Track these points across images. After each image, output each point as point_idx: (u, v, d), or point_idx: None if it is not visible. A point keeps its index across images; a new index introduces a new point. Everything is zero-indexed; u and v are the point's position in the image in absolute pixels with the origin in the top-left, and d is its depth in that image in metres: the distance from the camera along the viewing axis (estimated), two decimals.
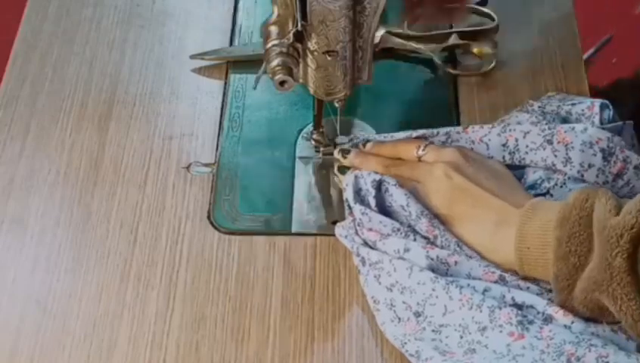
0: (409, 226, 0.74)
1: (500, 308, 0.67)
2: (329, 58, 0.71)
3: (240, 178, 0.82)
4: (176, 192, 0.81)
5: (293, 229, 0.79)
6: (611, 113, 0.78)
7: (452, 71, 0.89)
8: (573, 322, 0.66)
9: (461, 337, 0.68)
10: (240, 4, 0.95)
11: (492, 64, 0.89)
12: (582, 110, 0.78)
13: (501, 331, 0.67)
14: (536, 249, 0.68)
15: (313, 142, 0.82)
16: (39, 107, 0.87)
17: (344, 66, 0.72)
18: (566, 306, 0.67)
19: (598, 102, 0.78)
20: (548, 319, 0.67)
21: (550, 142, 0.75)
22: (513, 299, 0.68)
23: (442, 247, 0.73)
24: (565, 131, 0.75)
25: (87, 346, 0.73)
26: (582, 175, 0.74)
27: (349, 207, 0.76)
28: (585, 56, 0.89)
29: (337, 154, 0.81)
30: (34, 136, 0.85)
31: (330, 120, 0.81)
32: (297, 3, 0.67)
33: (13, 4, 1.03)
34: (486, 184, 0.73)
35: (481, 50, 0.90)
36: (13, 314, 0.75)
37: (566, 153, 0.75)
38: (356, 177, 0.76)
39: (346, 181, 0.77)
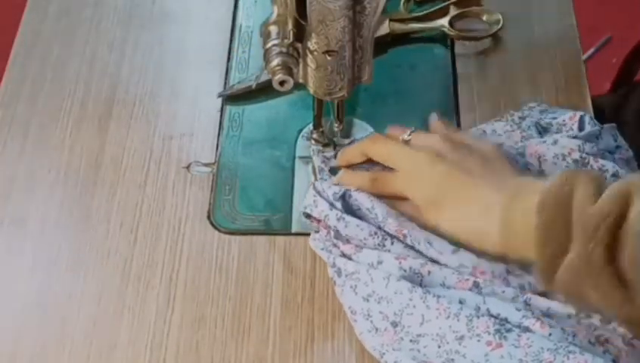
0: (383, 230, 0.73)
1: (478, 317, 0.67)
2: (329, 58, 0.71)
3: (240, 178, 0.82)
4: (176, 192, 0.81)
5: (293, 229, 0.79)
6: (592, 121, 0.78)
7: (465, 35, 0.90)
8: (550, 334, 0.66)
9: (439, 347, 0.67)
10: (240, 4, 0.95)
11: (500, 25, 0.90)
12: (564, 121, 0.78)
13: (479, 340, 0.66)
14: (521, 235, 0.66)
15: (313, 141, 0.82)
16: (39, 107, 0.87)
17: (344, 66, 0.72)
18: (553, 291, 0.66)
19: (579, 113, 0.78)
20: (526, 329, 0.67)
21: (522, 155, 0.76)
22: (488, 310, 0.68)
23: (412, 245, 0.72)
24: (536, 145, 0.75)
25: (87, 346, 0.73)
26: None
27: (316, 219, 0.75)
28: (585, 56, 0.89)
29: (318, 163, 0.80)
30: (34, 136, 0.85)
31: (331, 120, 0.81)
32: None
33: (13, 4, 1.03)
34: (473, 169, 0.71)
35: (488, 14, 0.92)
36: (13, 314, 0.75)
37: (540, 166, 0.75)
38: (319, 192, 0.75)
39: (311, 196, 0.76)
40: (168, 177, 0.82)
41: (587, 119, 0.78)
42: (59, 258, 0.78)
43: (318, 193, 0.75)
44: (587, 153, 0.74)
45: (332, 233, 0.74)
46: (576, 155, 0.74)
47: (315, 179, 0.80)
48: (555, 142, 0.75)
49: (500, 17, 0.91)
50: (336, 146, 0.82)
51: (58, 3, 0.95)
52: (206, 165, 0.83)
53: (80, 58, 0.91)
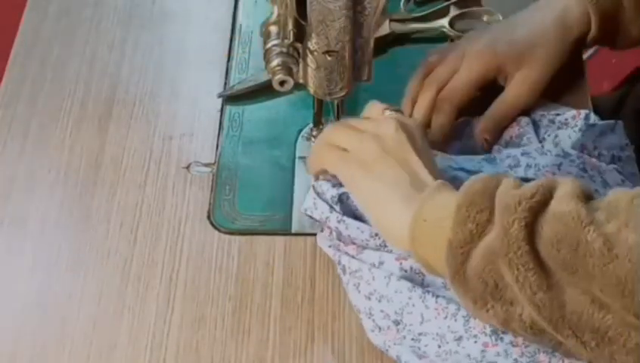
0: None
1: (474, 318, 0.67)
2: (329, 58, 0.71)
3: (240, 178, 0.82)
4: (176, 192, 0.81)
5: (293, 229, 0.79)
6: (596, 119, 0.78)
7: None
8: None
9: (439, 346, 0.68)
10: (240, 4, 0.95)
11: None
12: (566, 119, 0.79)
13: (475, 341, 0.67)
14: (433, 222, 0.64)
15: (313, 140, 0.82)
16: (39, 107, 0.87)
17: (344, 66, 0.72)
18: (457, 280, 0.63)
19: (583, 111, 0.79)
20: None
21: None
22: None
23: None
24: (536, 157, 0.75)
25: (87, 346, 0.73)
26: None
27: (319, 220, 0.75)
28: (585, 56, 0.88)
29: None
30: (34, 136, 0.85)
31: (331, 119, 0.81)
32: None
33: (14, 4, 1.03)
34: (424, 158, 0.69)
35: (488, 14, 0.92)
36: (14, 314, 0.75)
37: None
38: (318, 194, 0.75)
39: (311, 198, 0.75)
40: (168, 177, 0.82)
41: (592, 117, 0.78)
42: (59, 258, 0.78)
43: (318, 194, 0.75)
44: (583, 160, 0.75)
45: (334, 234, 0.74)
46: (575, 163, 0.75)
47: (315, 179, 0.80)
48: (548, 153, 0.76)
49: (500, 17, 0.91)
50: None
51: (58, 3, 0.95)
52: (206, 165, 0.83)
53: (80, 58, 0.91)
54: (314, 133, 0.82)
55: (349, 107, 0.83)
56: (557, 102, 0.84)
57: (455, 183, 0.66)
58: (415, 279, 0.71)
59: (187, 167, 0.83)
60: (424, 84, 0.82)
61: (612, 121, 0.79)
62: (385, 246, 0.73)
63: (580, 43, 0.82)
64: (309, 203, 0.75)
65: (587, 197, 0.59)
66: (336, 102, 0.78)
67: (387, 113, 0.74)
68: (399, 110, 0.75)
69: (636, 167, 0.79)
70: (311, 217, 0.76)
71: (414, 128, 0.72)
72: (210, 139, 0.85)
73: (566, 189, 0.59)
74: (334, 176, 0.74)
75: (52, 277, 0.77)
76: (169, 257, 0.77)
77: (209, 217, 0.80)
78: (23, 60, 0.91)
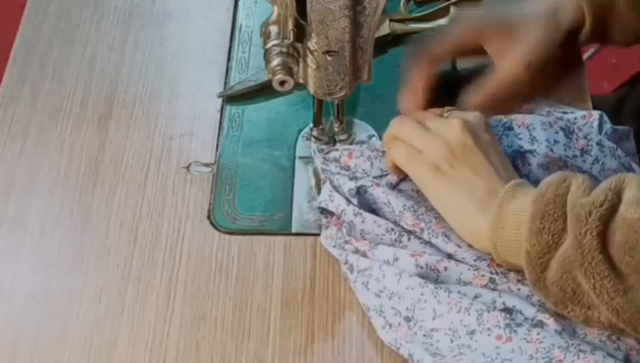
0: (400, 225, 0.74)
1: (488, 312, 0.67)
2: (329, 58, 0.71)
3: (240, 178, 0.82)
4: (176, 192, 0.81)
5: (293, 229, 0.79)
6: (608, 124, 0.78)
7: None
8: (563, 329, 0.66)
9: (452, 341, 0.68)
10: (240, 4, 0.95)
11: None
12: (575, 118, 0.79)
13: (489, 335, 0.67)
14: (511, 229, 0.66)
15: (313, 140, 0.82)
16: (39, 107, 0.87)
17: (344, 66, 0.72)
18: (538, 286, 0.66)
19: (595, 112, 0.79)
20: (538, 324, 0.67)
21: (510, 128, 0.76)
22: (504, 303, 0.68)
23: (429, 240, 0.72)
24: (523, 116, 0.76)
25: (87, 346, 0.73)
26: (552, 150, 0.74)
27: (330, 215, 0.76)
28: (585, 56, 0.88)
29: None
30: (34, 136, 0.85)
31: (331, 120, 0.81)
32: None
33: (13, 4, 1.03)
34: (493, 157, 0.72)
35: None
36: (14, 314, 0.75)
37: (530, 134, 0.75)
38: (335, 187, 0.76)
39: (327, 191, 0.76)
40: (168, 177, 0.82)
41: (605, 118, 0.79)
42: (59, 258, 0.78)
43: (335, 188, 0.75)
44: (571, 123, 0.76)
45: (344, 229, 0.74)
46: (562, 123, 0.75)
47: (318, 179, 0.80)
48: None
49: None
50: (336, 143, 0.82)
51: (58, 3, 0.95)
52: (206, 165, 0.83)
53: (80, 58, 0.91)
54: (314, 133, 0.82)
55: (349, 107, 0.83)
56: (557, 102, 0.84)
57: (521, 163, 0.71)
58: (430, 275, 0.71)
59: (188, 167, 0.83)
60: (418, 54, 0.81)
61: (627, 127, 0.80)
62: (400, 241, 0.73)
63: (573, 36, 0.80)
64: (325, 195, 0.76)
65: None
66: (336, 102, 0.78)
67: (449, 113, 0.76)
68: (456, 109, 0.77)
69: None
70: (325, 209, 0.76)
71: (478, 126, 0.73)
72: (210, 139, 0.85)
73: (633, 192, 0.61)
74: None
75: (52, 277, 0.77)
76: (169, 257, 0.77)
77: (209, 217, 0.80)
78: (23, 60, 0.91)
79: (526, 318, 0.67)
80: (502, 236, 0.67)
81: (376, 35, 0.72)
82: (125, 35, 0.93)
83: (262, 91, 0.87)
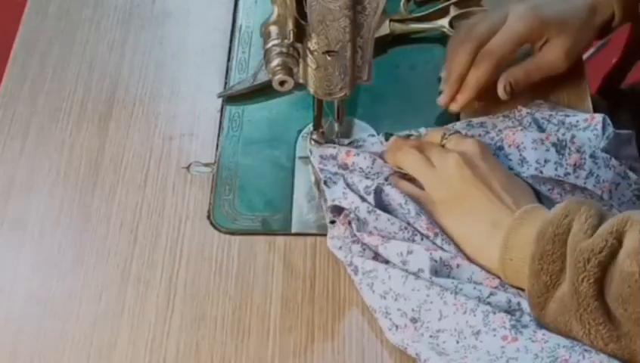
0: (414, 227, 0.74)
1: (494, 313, 0.67)
2: (329, 58, 0.71)
3: (240, 178, 0.82)
4: (176, 192, 0.81)
5: (293, 229, 0.79)
6: (611, 127, 0.78)
7: None
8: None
9: (457, 342, 0.68)
10: (240, 4, 0.95)
11: None
12: (577, 121, 0.79)
13: (494, 335, 0.67)
14: (518, 261, 0.68)
15: (312, 143, 0.82)
16: (39, 107, 0.87)
17: (344, 66, 0.72)
18: (540, 321, 0.67)
19: (599, 115, 0.79)
20: (542, 325, 0.67)
21: (501, 148, 0.76)
22: (519, 304, 0.69)
23: (442, 246, 0.73)
24: (513, 134, 0.76)
25: (87, 346, 0.73)
26: (541, 172, 0.74)
27: (338, 214, 0.76)
28: (585, 56, 0.89)
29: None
30: (34, 136, 0.85)
31: (331, 120, 0.81)
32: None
33: (13, 4, 1.03)
34: (494, 184, 0.73)
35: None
36: (14, 314, 0.75)
37: (520, 154, 0.75)
38: (349, 185, 0.76)
39: (340, 188, 0.76)
40: (168, 177, 0.82)
41: (608, 120, 0.79)
42: (59, 258, 0.78)
43: (348, 186, 0.76)
44: (564, 136, 0.75)
45: (354, 225, 0.74)
46: (553, 138, 0.75)
47: (316, 180, 0.80)
48: (563, 134, 0.76)
49: None
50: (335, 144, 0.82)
51: (58, 3, 0.95)
52: (206, 165, 0.83)
53: (80, 58, 0.91)
54: (314, 136, 0.82)
55: (349, 107, 0.83)
56: (557, 102, 0.84)
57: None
58: (442, 271, 0.71)
59: (188, 167, 0.83)
60: (463, 40, 0.82)
61: (630, 131, 0.80)
62: (413, 240, 0.73)
63: (605, 29, 0.85)
64: (339, 193, 0.76)
65: None
66: (336, 102, 0.78)
67: (448, 139, 0.77)
68: (457, 132, 0.78)
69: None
70: (334, 209, 0.76)
71: (475, 155, 0.74)
72: (210, 139, 0.85)
73: (632, 242, 0.61)
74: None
75: (52, 277, 0.77)
76: (169, 257, 0.77)
77: (209, 217, 0.80)
78: (23, 60, 0.91)
79: (532, 319, 0.68)
80: (510, 266, 0.69)
81: (376, 35, 0.72)
82: (125, 35, 0.93)
83: (262, 91, 0.87)
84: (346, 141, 0.82)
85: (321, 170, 0.79)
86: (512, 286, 0.70)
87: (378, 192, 0.75)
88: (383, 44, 0.90)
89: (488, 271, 0.72)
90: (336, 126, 0.81)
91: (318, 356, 0.72)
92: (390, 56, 0.91)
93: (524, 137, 0.76)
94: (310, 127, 0.83)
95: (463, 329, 0.68)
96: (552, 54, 0.82)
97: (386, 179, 0.78)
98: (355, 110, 0.86)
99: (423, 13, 0.92)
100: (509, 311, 0.68)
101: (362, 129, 0.84)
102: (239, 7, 0.95)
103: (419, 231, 0.74)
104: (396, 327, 0.70)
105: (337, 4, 0.67)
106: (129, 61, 0.91)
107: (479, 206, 0.72)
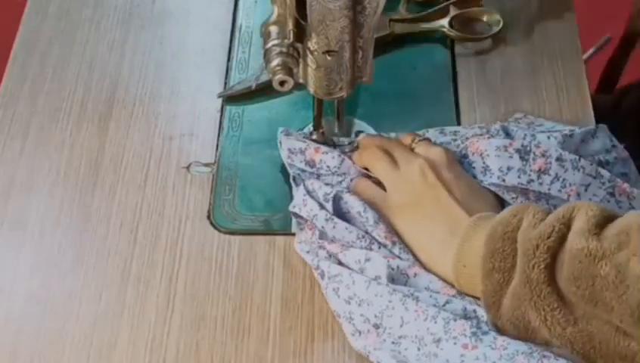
0: (371, 235, 0.73)
1: (455, 320, 0.67)
2: (329, 58, 0.71)
3: (240, 178, 0.82)
4: (176, 192, 0.81)
5: (293, 229, 0.79)
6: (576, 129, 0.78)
7: (465, 36, 0.90)
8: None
9: (419, 349, 0.67)
10: (240, 4, 0.95)
11: (500, 26, 0.90)
12: (541, 124, 0.79)
13: (455, 343, 0.66)
14: (471, 268, 0.67)
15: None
16: (39, 107, 0.87)
17: (344, 66, 0.72)
18: (496, 325, 0.66)
19: (568, 128, 0.78)
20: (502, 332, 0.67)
21: (465, 156, 0.76)
22: (475, 311, 0.68)
23: (399, 254, 0.72)
24: (477, 141, 0.76)
25: (87, 346, 0.73)
26: (504, 180, 0.74)
27: (304, 219, 0.76)
28: (585, 56, 0.89)
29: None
30: (34, 136, 0.85)
31: (331, 120, 0.81)
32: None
33: (13, 4, 1.03)
34: (456, 192, 0.72)
35: (488, 14, 0.92)
36: (14, 314, 0.75)
37: (483, 162, 0.75)
38: (309, 191, 0.76)
39: (300, 195, 0.76)
40: (168, 177, 0.82)
41: (572, 128, 0.78)
42: (59, 258, 0.78)
43: (309, 192, 0.75)
44: (528, 142, 0.74)
45: (317, 233, 0.74)
46: (517, 144, 0.74)
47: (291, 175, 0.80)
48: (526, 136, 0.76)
49: (499, 17, 0.91)
50: (337, 146, 0.81)
51: (58, 3, 0.95)
52: (206, 165, 0.83)
53: (80, 58, 0.91)
54: (314, 136, 0.82)
55: (349, 107, 0.83)
56: (557, 103, 0.84)
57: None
58: (400, 279, 0.71)
59: (188, 167, 0.83)
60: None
61: (592, 127, 0.79)
62: (370, 249, 0.73)
63: None
64: (299, 200, 0.76)
65: (606, 221, 0.61)
66: (336, 102, 0.78)
67: (417, 143, 0.77)
68: (426, 139, 0.78)
69: (627, 167, 0.78)
70: (297, 215, 0.76)
71: (440, 164, 0.74)
72: (210, 139, 0.85)
73: (581, 223, 0.61)
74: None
75: (52, 277, 0.77)
76: (169, 257, 0.77)
77: (209, 217, 0.80)
78: (23, 60, 0.91)
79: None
80: (463, 274, 0.68)
81: (376, 35, 0.72)
82: (125, 35, 0.93)
83: (262, 91, 0.87)
84: (347, 141, 0.82)
85: (289, 165, 0.79)
86: (467, 294, 0.70)
87: (337, 200, 0.75)
88: (383, 44, 0.90)
89: (444, 280, 0.71)
90: (336, 128, 0.81)
91: (318, 356, 0.72)
92: (390, 56, 0.91)
93: (488, 144, 0.75)
94: (310, 127, 0.83)
95: (424, 336, 0.67)
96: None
97: (351, 180, 0.77)
98: (355, 110, 0.86)
99: (423, 13, 0.92)
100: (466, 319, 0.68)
101: (362, 129, 0.84)
102: (239, 7, 0.95)
103: (377, 240, 0.73)
104: (359, 332, 0.70)
105: (337, 4, 0.67)
106: (129, 61, 0.91)
107: (437, 214, 0.72)
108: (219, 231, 0.79)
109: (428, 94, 0.88)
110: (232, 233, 0.79)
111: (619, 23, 1.17)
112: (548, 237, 0.61)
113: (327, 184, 0.76)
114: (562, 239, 0.61)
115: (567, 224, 0.62)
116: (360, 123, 0.85)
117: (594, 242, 0.59)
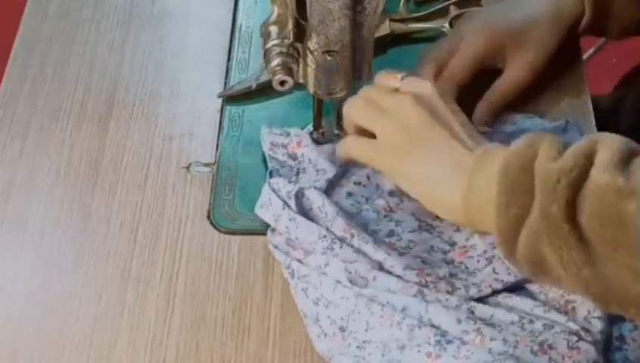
0: (332, 232, 0.73)
1: (419, 327, 0.66)
2: (329, 58, 0.71)
3: (240, 178, 0.82)
4: (176, 192, 0.81)
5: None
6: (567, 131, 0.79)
7: None
8: (490, 348, 0.65)
9: (383, 355, 0.67)
10: (240, 4, 0.95)
11: None
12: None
13: (419, 351, 0.66)
14: (482, 199, 0.64)
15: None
16: (39, 107, 0.87)
17: (344, 66, 0.72)
18: (511, 261, 0.64)
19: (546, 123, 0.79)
20: (468, 342, 0.66)
21: None
22: (430, 320, 0.67)
23: (359, 246, 0.72)
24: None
25: (87, 346, 0.73)
26: None
27: (268, 221, 0.75)
28: (585, 56, 0.89)
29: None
30: (34, 136, 0.85)
31: (331, 120, 0.81)
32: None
33: (13, 4, 1.03)
34: (455, 125, 0.69)
35: None
36: (14, 314, 0.75)
37: None
38: (273, 191, 0.75)
39: (266, 194, 0.76)
40: (168, 177, 0.82)
41: (571, 126, 0.79)
42: (59, 258, 0.78)
43: (274, 191, 0.75)
44: None
45: (284, 237, 0.74)
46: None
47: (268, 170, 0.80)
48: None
49: None
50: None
51: (58, 3, 0.95)
52: (206, 165, 0.83)
53: (80, 58, 0.91)
54: (314, 136, 0.82)
55: None
56: (557, 103, 0.84)
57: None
58: (359, 282, 0.70)
59: (188, 167, 0.83)
60: (421, 66, 0.80)
61: (561, 122, 0.79)
62: (332, 249, 0.72)
63: (574, 30, 0.81)
64: (264, 199, 0.75)
65: (631, 155, 0.58)
66: (336, 102, 0.78)
67: (403, 81, 0.72)
68: (413, 74, 0.74)
69: None
70: (262, 218, 0.76)
71: (433, 97, 0.70)
72: (210, 139, 0.85)
73: (605, 155, 0.58)
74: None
75: (52, 277, 0.77)
76: (169, 257, 0.77)
77: (209, 217, 0.80)
78: (23, 60, 0.91)
79: (453, 337, 0.66)
80: (475, 209, 0.65)
81: (376, 35, 0.72)
82: (125, 35, 0.93)
83: (262, 91, 0.87)
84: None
85: (271, 158, 0.79)
86: (475, 231, 0.68)
87: (300, 197, 0.74)
88: (383, 44, 0.90)
89: (405, 281, 0.69)
90: (336, 129, 0.81)
91: (318, 356, 0.72)
92: (390, 56, 0.90)
93: None
94: (310, 127, 0.83)
95: (388, 342, 0.67)
96: (515, 70, 0.79)
97: (319, 171, 0.77)
98: None
99: (423, 13, 0.92)
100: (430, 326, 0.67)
101: None
102: (239, 7, 0.95)
103: (336, 235, 0.72)
104: (325, 334, 0.70)
105: (337, 4, 0.67)
106: (129, 61, 0.91)
107: (439, 147, 0.67)
108: (219, 231, 0.79)
109: None
110: (232, 233, 0.79)
111: None
112: (570, 171, 0.58)
113: (290, 182, 0.75)
114: (585, 173, 0.58)
115: (590, 158, 0.58)
116: None
117: (620, 178, 0.56)
